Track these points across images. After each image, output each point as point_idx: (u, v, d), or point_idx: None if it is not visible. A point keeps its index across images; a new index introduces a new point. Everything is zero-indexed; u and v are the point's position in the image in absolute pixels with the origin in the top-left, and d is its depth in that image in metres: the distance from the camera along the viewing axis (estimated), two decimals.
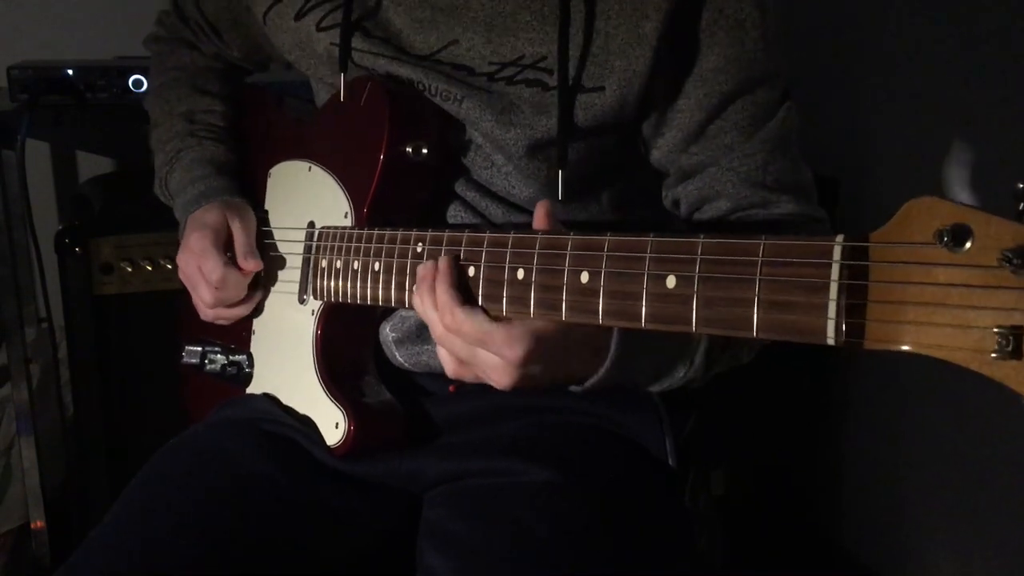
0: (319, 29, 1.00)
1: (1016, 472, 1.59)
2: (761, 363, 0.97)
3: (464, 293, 0.78)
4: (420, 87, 0.95)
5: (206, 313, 1.09)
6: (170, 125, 1.17)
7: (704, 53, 0.90)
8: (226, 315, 1.08)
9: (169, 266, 1.64)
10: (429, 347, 0.99)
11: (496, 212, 0.99)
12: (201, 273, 1.05)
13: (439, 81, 0.94)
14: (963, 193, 1.64)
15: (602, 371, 0.80)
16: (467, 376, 0.81)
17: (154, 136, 1.20)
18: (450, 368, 0.81)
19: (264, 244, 1.10)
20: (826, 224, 0.99)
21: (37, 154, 2.05)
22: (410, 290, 0.86)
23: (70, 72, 1.66)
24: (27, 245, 1.74)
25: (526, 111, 0.92)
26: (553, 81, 0.91)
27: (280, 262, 1.08)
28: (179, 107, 1.18)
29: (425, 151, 0.95)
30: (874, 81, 1.87)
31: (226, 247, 1.05)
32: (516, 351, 0.75)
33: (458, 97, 0.94)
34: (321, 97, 1.09)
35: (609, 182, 1.02)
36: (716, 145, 0.94)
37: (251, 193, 1.14)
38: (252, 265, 1.05)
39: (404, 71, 0.96)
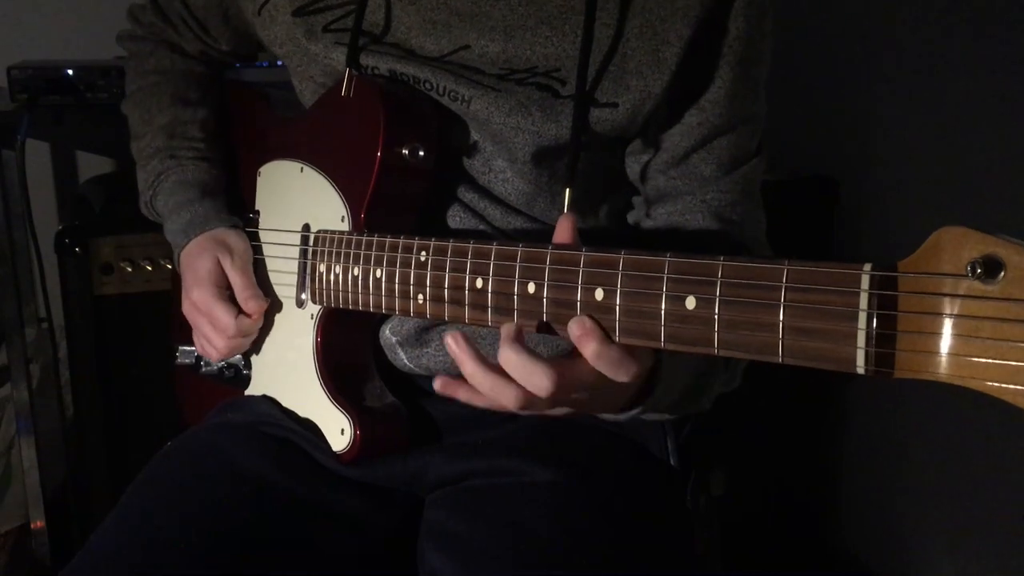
0: (326, 30, 1.00)
1: (1015, 473, 1.59)
2: (761, 363, 0.97)
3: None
4: (427, 86, 0.95)
5: (215, 358, 1.08)
6: (151, 139, 1.15)
7: (707, 84, 0.92)
8: (234, 354, 1.08)
9: (169, 266, 1.63)
10: (430, 349, 0.99)
11: (495, 214, 0.98)
12: (214, 327, 1.05)
13: (447, 81, 0.94)
14: (964, 195, 1.64)
15: (641, 406, 0.79)
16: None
17: (134, 147, 1.18)
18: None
19: (257, 246, 1.09)
20: None
21: (37, 154, 2.05)
22: (414, 298, 0.85)
23: (70, 72, 1.65)
24: (27, 245, 1.73)
25: (535, 114, 0.92)
26: (564, 91, 0.91)
27: (274, 264, 1.07)
28: (160, 118, 1.15)
29: (422, 152, 0.94)
30: (874, 81, 1.87)
31: (228, 289, 1.05)
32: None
33: (466, 98, 0.93)
34: (306, 95, 1.07)
35: (607, 198, 1.03)
36: (695, 174, 0.96)
37: (240, 194, 1.14)
38: (255, 307, 1.04)
39: (411, 69, 0.95)
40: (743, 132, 0.96)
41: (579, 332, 0.70)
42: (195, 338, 1.10)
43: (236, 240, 1.08)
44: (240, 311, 1.04)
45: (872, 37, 1.87)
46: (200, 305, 1.05)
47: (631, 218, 1.05)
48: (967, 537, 1.74)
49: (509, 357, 0.70)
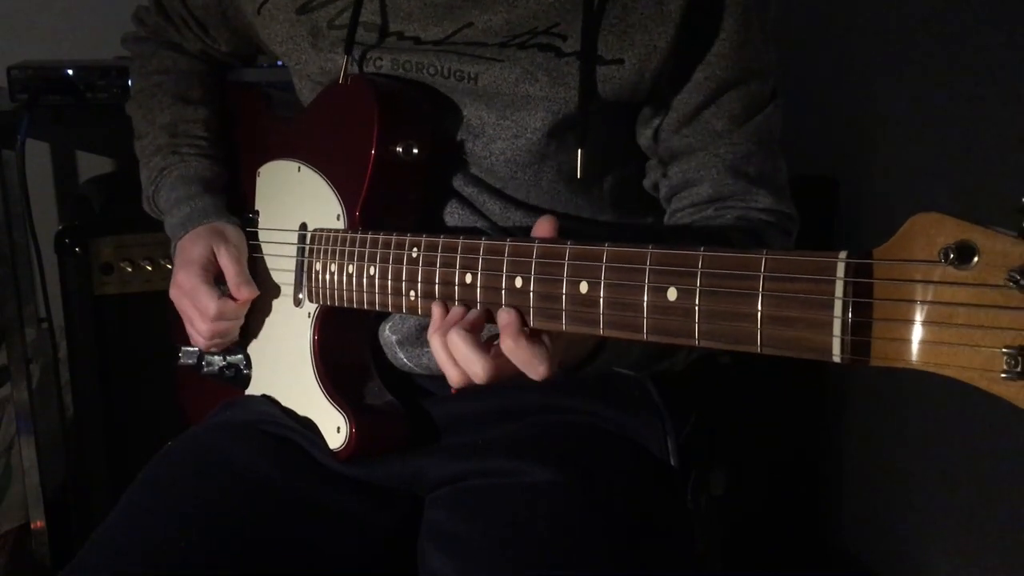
0: (331, 27, 1.00)
1: (1015, 472, 1.59)
2: (761, 363, 0.97)
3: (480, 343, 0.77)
4: (431, 71, 0.95)
5: (202, 343, 1.09)
6: (153, 137, 1.15)
7: (712, 38, 0.92)
8: (221, 342, 1.09)
9: (169, 266, 1.63)
10: (429, 349, 0.99)
11: (494, 208, 0.99)
12: (196, 309, 1.05)
13: (451, 62, 0.94)
14: (962, 196, 1.64)
15: (598, 360, 0.82)
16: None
17: (138, 147, 1.18)
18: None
19: (256, 245, 1.10)
20: (797, 223, 1.02)
21: (37, 154, 2.05)
22: (406, 295, 0.85)
23: (70, 72, 1.66)
24: (27, 245, 1.74)
25: (542, 79, 0.92)
26: (567, 47, 0.91)
27: (273, 263, 1.07)
28: (162, 117, 1.16)
29: (416, 150, 0.94)
30: (874, 81, 1.87)
31: (218, 278, 1.06)
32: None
33: (472, 75, 0.93)
34: (305, 94, 1.08)
35: (613, 167, 1.03)
36: (707, 130, 0.96)
37: (240, 194, 1.14)
38: (246, 294, 1.05)
39: (414, 57, 0.96)
40: (753, 83, 0.95)
41: (503, 322, 0.75)
42: (187, 327, 1.10)
43: (233, 232, 1.09)
44: (223, 295, 1.04)
45: (872, 37, 1.87)
46: (184, 286, 1.05)
47: (647, 182, 1.05)
48: (967, 537, 1.74)
49: (455, 341, 0.76)
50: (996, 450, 1.62)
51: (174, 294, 1.08)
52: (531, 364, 0.74)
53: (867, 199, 1.90)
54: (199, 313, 1.05)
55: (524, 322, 0.74)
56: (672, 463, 1.00)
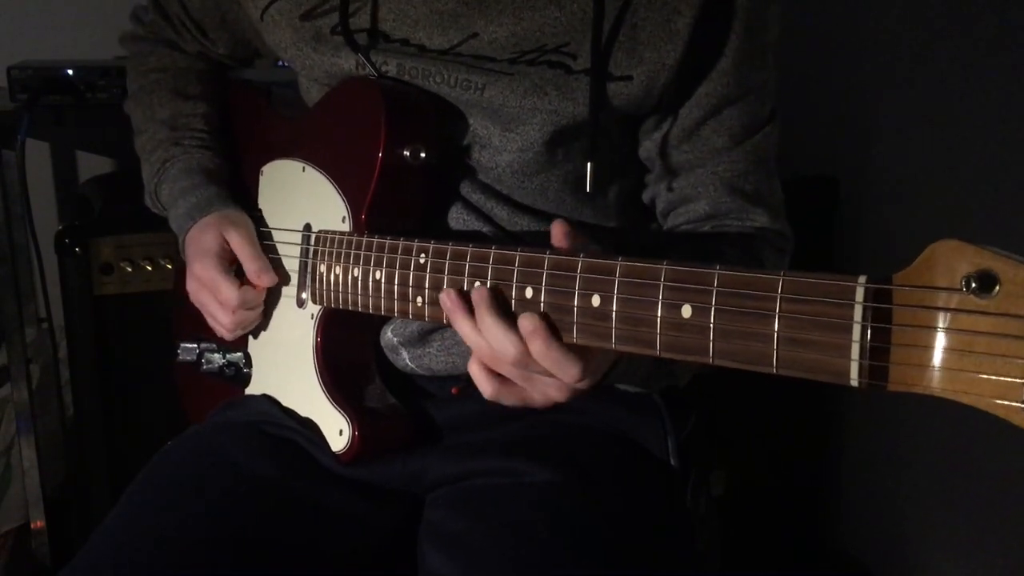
0: (335, 32, 0.99)
1: (1015, 473, 1.59)
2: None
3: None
4: (438, 79, 0.95)
5: (226, 335, 1.07)
6: (153, 132, 1.15)
7: (716, 54, 0.93)
8: (243, 332, 1.08)
9: (169, 266, 1.63)
10: (431, 350, 0.99)
11: (501, 214, 0.98)
12: (218, 301, 1.04)
13: (458, 71, 0.94)
14: (963, 196, 1.64)
15: (614, 372, 0.82)
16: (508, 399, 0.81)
17: (137, 143, 1.18)
18: (490, 391, 0.80)
19: (260, 244, 1.09)
20: (791, 242, 1.03)
21: (37, 154, 2.05)
22: (413, 300, 0.85)
23: (70, 72, 1.65)
24: (27, 245, 1.73)
25: (551, 93, 0.92)
26: (576, 65, 0.92)
27: (276, 263, 1.06)
28: (161, 112, 1.15)
29: (423, 154, 0.94)
30: (874, 81, 1.87)
31: (232, 264, 1.04)
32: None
33: (479, 85, 0.93)
34: (312, 95, 1.08)
35: (618, 178, 1.03)
36: (707, 147, 0.97)
37: (243, 193, 1.13)
38: (267, 280, 1.03)
39: (420, 64, 0.96)
40: (752, 101, 0.96)
41: (529, 328, 0.73)
42: (208, 320, 1.08)
43: (241, 217, 1.07)
44: (242, 283, 1.03)
45: (872, 37, 1.87)
46: (204, 279, 1.03)
47: (645, 195, 1.05)
48: (967, 537, 1.74)
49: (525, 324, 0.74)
50: (996, 450, 1.62)
51: (192, 287, 1.06)
52: (561, 365, 0.73)
53: (867, 199, 1.90)
54: (221, 305, 1.03)
55: (554, 327, 0.73)
56: (672, 463, 1.00)
